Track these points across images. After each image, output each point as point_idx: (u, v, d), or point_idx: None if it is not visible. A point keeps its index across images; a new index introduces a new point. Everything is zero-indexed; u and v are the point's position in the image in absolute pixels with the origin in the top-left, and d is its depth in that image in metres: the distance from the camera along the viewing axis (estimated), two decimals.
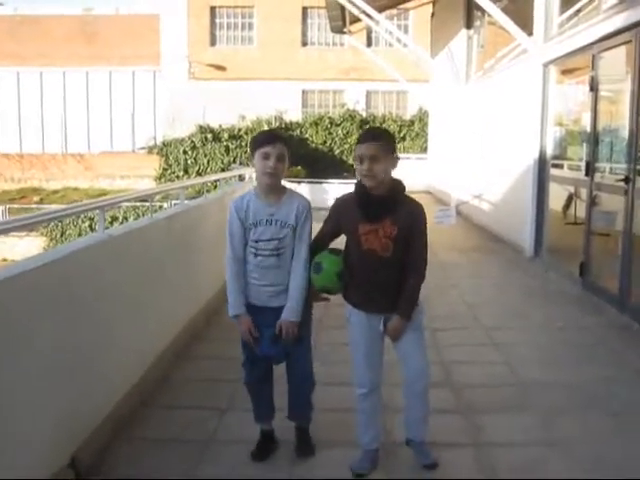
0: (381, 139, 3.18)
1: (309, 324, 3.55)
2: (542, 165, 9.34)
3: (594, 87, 7.42)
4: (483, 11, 13.59)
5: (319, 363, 3.83)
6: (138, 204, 21.97)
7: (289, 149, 3.37)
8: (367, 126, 27.82)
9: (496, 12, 9.93)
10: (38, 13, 32.01)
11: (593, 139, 7.51)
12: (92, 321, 3.51)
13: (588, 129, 7.77)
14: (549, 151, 9.30)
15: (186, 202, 6.00)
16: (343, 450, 3.59)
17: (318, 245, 3.45)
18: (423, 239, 3.24)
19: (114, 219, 23.51)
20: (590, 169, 7.47)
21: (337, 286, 3.35)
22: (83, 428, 3.39)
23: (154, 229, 4.56)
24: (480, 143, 13.22)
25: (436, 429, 3.63)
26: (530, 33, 9.63)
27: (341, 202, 3.41)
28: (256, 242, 3.36)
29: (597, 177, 7.45)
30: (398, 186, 3.25)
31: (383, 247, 3.18)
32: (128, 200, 5.02)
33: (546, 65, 9.11)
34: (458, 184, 14.86)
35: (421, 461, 3.44)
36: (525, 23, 9.79)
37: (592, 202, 7.55)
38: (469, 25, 15.18)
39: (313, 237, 3.47)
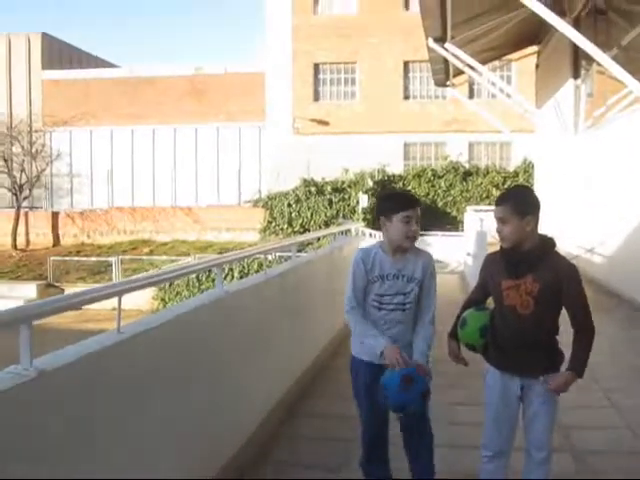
0: (508, 201, 3.16)
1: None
2: None
3: None
4: (591, 60, 13.36)
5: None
6: (244, 257, 22.37)
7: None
8: (470, 178, 27.64)
9: (606, 61, 9.69)
10: (151, 74, 33.61)
11: None
12: (205, 378, 3.55)
13: None
14: None
15: (297, 258, 6.06)
16: None
17: (469, 301, 3.44)
18: (579, 297, 3.12)
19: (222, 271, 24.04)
20: None
21: (479, 342, 3.29)
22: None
23: (268, 285, 4.63)
24: (593, 195, 12.82)
25: None
26: None
27: (488, 258, 3.42)
28: (381, 296, 3.35)
29: None
30: (546, 243, 3.19)
31: (523, 304, 3.11)
32: (245, 257, 5.11)
33: None
34: (568, 237, 14.41)
35: None
36: (636, 69, 9.51)
37: None
38: (576, 75, 14.88)
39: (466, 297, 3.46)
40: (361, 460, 3.54)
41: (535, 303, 3.09)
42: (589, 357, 3.09)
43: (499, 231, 3.17)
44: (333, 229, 10.40)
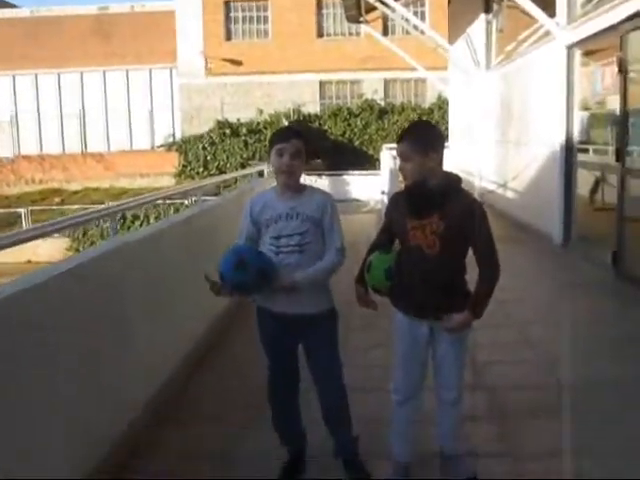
0: (409, 137, 3.02)
1: (335, 328, 3.32)
2: (569, 150, 9.06)
3: (623, 69, 7.14)
4: None
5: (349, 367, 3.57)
6: (159, 202, 21.92)
7: (306, 144, 3.19)
8: (386, 116, 27.61)
9: None
10: (54, 14, 32.04)
11: (623, 123, 7.24)
12: (108, 331, 3.36)
13: (616, 112, 7.49)
14: (575, 136, 9.02)
15: (204, 202, 5.83)
16: (377, 462, 3.39)
17: (375, 244, 3.28)
18: (484, 235, 3.01)
19: (135, 218, 23.50)
20: (621, 154, 7.20)
21: (385, 284, 3.15)
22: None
23: (170, 233, 4.39)
24: (503, 130, 12.94)
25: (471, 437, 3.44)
26: (552, 15, 9.33)
27: (393, 198, 3.25)
28: (277, 238, 3.14)
29: (628, 162, 7.18)
30: (450, 180, 3.06)
31: (429, 243, 2.98)
32: (139, 205, 4.86)
33: (570, 47, 8.83)
34: (481, 173, 14.58)
35: (454, 475, 3.24)
36: (547, 5, 9.49)
37: (623, 187, 7.29)
38: (488, 9, 14.85)
39: (372, 240, 3.29)
40: (272, 416, 3.41)
41: (441, 242, 2.96)
42: (490, 296, 3.00)
43: (401, 169, 3.04)
44: (243, 171, 10.15)
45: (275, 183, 3.22)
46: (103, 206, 4.27)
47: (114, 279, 3.44)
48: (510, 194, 12.21)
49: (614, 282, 7.25)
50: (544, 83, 9.95)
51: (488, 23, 14.86)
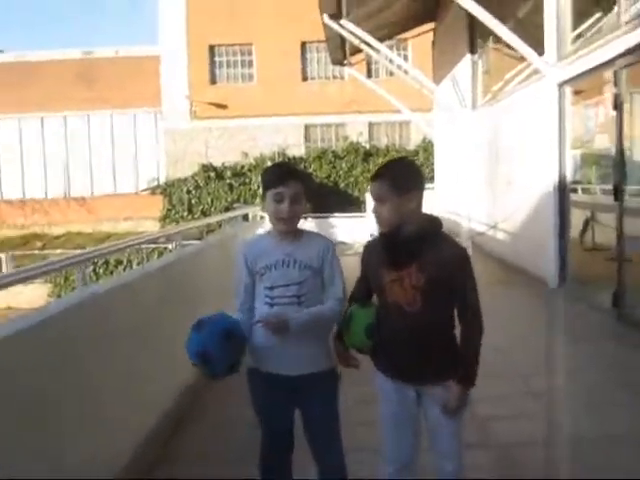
0: (384, 175, 2.69)
1: (336, 392, 2.96)
2: (562, 189, 8.83)
3: (618, 105, 6.94)
4: (487, 35, 13.26)
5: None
6: (143, 246, 21.60)
7: (305, 185, 2.86)
8: (371, 158, 27.52)
9: (505, 33, 9.47)
10: (38, 59, 31.97)
11: (620, 161, 7.01)
12: (73, 398, 2.98)
13: (611, 151, 7.28)
14: (568, 175, 8.80)
15: (185, 247, 5.48)
16: None
17: (354, 298, 2.93)
18: (468, 286, 2.65)
19: (119, 263, 23.14)
20: (619, 192, 6.95)
21: (365, 344, 2.81)
22: None
23: (145, 282, 4.03)
24: (491, 170, 12.74)
25: None
26: (541, 53, 9.18)
27: (367, 247, 2.92)
28: (271, 289, 2.81)
29: (627, 201, 6.94)
30: (429, 225, 2.71)
31: (409, 300, 2.63)
32: (120, 250, 4.54)
33: (561, 85, 8.65)
34: (469, 214, 14.34)
35: None
36: (534, 43, 9.35)
37: (622, 226, 7.03)
38: (473, 50, 14.80)
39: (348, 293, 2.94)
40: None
41: (423, 298, 2.61)
42: (478, 361, 2.66)
43: (376, 212, 2.69)
44: (227, 214, 9.80)
45: (262, 227, 2.90)
46: (81, 251, 4.01)
47: (76, 338, 3.07)
48: (501, 236, 11.95)
49: (616, 325, 6.94)
50: (534, 121, 9.76)
51: (474, 63, 14.80)
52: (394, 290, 2.65)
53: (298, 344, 2.79)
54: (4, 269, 24.89)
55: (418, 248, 2.63)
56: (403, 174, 2.71)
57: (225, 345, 2.66)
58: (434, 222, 2.74)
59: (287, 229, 2.84)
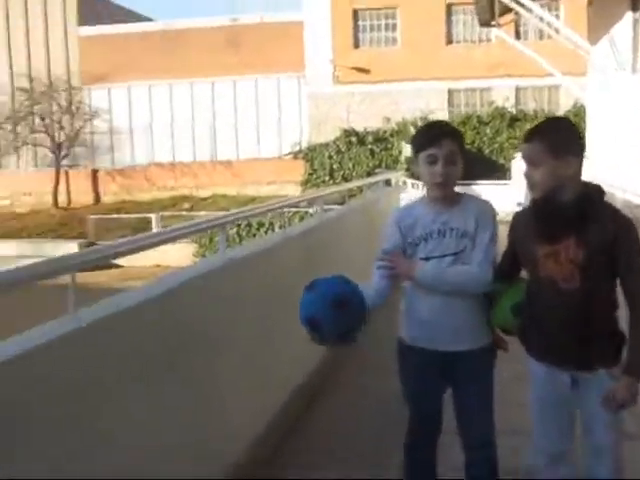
0: (539, 136, 2.38)
1: (491, 370, 2.73)
2: None
3: None
4: None
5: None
6: (285, 210, 21.97)
7: (462, 145, 2.62)
8: (517, 124, 26.41)
9: None
10: (187, 26, 32.93)
11: None
12: (203, 373, 2.95)
13: None
14: None
15: (326, 212, 5.36)
16: None
17: (499, 270, 2.65)
18: (634, 261, 2.32)
19: (260, 225, 23.64)
20: None
21: (511, 323, 2.57)
22: None
23: (285, 248, 3.95)
24: None
25: None
26: None
27: (517, 218, 2.63)
28: (427, 259, 2.59)
29: None
30: (590, 193, 2.40)
31: (565, 275, 2.35)
32: (261, 213, 4.49)
33: None
34: (625, 186, 13.42)
35: None
36: None
37: None
38: (636, 7, 13.71)
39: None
40: (405, 467, 2.85)
41: (582, 274, 2.32)
42: None
43: (528, 177, 2.39)
44: (369, 179, 9.62)
45: (405, 192, 2.70)
46: (225, 213, 4.01)
47: (223, 296, 3.03)
48: None
49: None
50: None
51: (635, 21, 13.71)
52: (548, 265, 2.38)
53: (456, 316, 2.58)
54: (154, 228, 26.07)
55: (577, 218, 2.35)
56: (561, 135, 2.41)
57: (335, 313, 2.42)
58: (596, 190, 2.43)
59: (442, 194, 2.60)
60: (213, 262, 3.09)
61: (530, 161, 2.38)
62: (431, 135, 2.60)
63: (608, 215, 2.37)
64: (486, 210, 2.63)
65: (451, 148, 2.54)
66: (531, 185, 2.41)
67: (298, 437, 3.81)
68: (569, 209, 2.36)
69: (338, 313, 2.42)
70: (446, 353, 2.61)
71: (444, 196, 2.61)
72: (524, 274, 2.66)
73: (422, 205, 2.69)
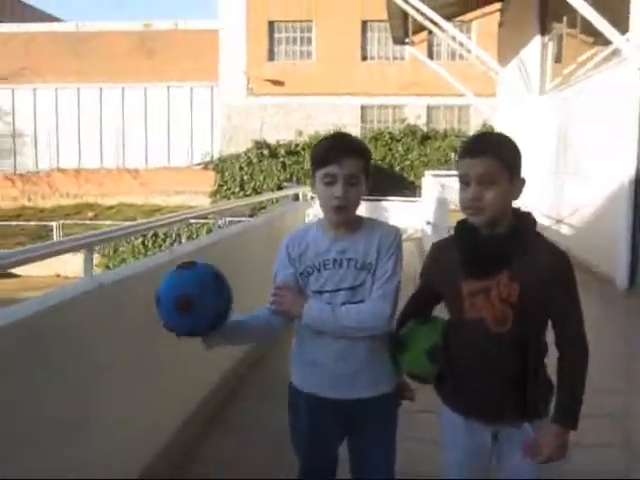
0: (493, 150, 2.03)
1: (394, 420, 2.38)
2: (639, 185, 8.10)
3: None
4: (559, 15, 12.47)
5: None
6: (192, 221, 21.46)
7: (368, 163, 2.25)
8: (428, 142, 26.68)
9: (582, 6, 8.72)
10: (98, 29, 31.99)
11: None
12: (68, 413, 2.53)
13: None
14: None
15: (223, 229, 4.99)
16: None
17: (408, 314, 2.34)
18: (572, 304, 2.07)
19: (167, 236, 23.06)
20: None
21: (427, 370, 2.23)
22: None
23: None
24: (559, 160, 11.97)
25: None
26: (624, 32, 8.41)
27: (436, 249, 2.31)
28: (319, 294, 2.24)
29: None
30: (523, 222, 2.12)
31: (497, 316, 2.04)
32: (168, 224, 4.11)
33: None
34: (534, 207, 13.60)
35: None
36: (616, 21, 8.58)
37: None
38: (544, 31, 13.99)
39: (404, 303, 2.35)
40: None
41: (515, 314, 2.03)
42: (582, 395, 2.07)
43: (477, 198, 2.03)
44: (276, 194, 9.29)
45: (312, 208, 2.35)
46: (130, 223, 3.79)
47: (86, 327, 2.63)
48: (566, 230, 11.19)
49: None
50: (611, 109, 9.01)
51: (543, 45, 13.98)
52: (477, 304, 2.07)
53: (353, 358, 2.24)
54: (54, 237, 25.02)
55: (510, 250, 2.05)
56: (515, 153, 2.09)
57: (216, 286, 2.14)
58: (527, 218, 2.14)
59: (341, 219, 2.24)
60: (82, 286, 2.67)
61: (480, 179, 2.02)
62: (332, 151, 2.22)
63: (541, 247, 2.10)
64: (390, 237, 2.27)
65: (354, 167, 2.19)
66: (477, 209, 2.04)
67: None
68: (503, 240, 2.06)
69: (218, 285, 2.16)
70: (342, 401, 2.27)
71: (343, 222, 2.26)
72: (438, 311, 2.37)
73: (317, 229, 2.33)
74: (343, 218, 2.23)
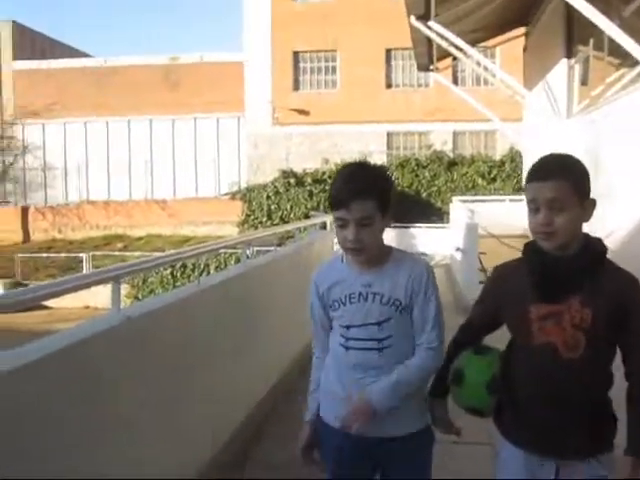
0: (565, 174, 1.98)
1: (429, 457, 2.31)
2: None
3: None
4: (586, 38, 12.38)
5: None
6: (221, 251, 21.54)
7: (385, 196, 2.17)
8: (455, 167, 26.55)
9: (610, 28, 8.63)
10: (126, 64, 32.52)
11: None
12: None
13: None
14: None
15: (251, 259, 4.94)
16: None
17: (462, 342, 2.27)
18: None
19: (196, 266, 23.13)
20: None
21: (487, 404, 2.15)
22: None
23: (200, 300, 3.49)
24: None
25: None
26: None
27: (502, 271, 2.22)
28: (347, 328, 2.19)
29: None
30: (594, 247, 2.05)
31: (568, 342, 1.97)
32: (196, 255, 4.08)
33: None
34: None
35: None
36: None
37: None
38: (569, 54, 13.87)
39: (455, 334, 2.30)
40: None
41: (588, 340, 1.95)
42: None
43: (547, 222, 1.96)
44: (302, 223, 9.25)
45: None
46: (158, 254, 3.73)
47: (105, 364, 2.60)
48: None
49: None
50: None
51: (570, 68, 13.86)
52: (546, 328, 2.00)
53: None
54: (84, 269, 25.21)
55: (582, 275, 1.98)
56: (584, 175, 2.03)
57: None
58: (597, 244, 2.07)
59: (358, 260, 2.21)
60: (109, 320, 2.63)
61: (550, 204, 1.96)
62: (339, 195, 2.17)
63: (613, 272, 2.03)
64: (423, 275, 2.20)
65: (364, 210, 2.12)
66: (548, 234, 1.99)
67: None
68: (575, 265, 1.99)
69: None
70: (371, 439, 2.19)
71: (362, 262, 2.21)
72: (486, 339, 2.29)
73: (344, 261, 2.28)
74: (360, 259, 2.20)
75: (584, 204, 1.98)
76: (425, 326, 2.16)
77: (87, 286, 2.67)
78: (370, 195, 2.13)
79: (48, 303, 21.73)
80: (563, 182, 1.95)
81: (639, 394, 1.97)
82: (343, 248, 2.19)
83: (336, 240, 2.33)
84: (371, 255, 2.19)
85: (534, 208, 2.00)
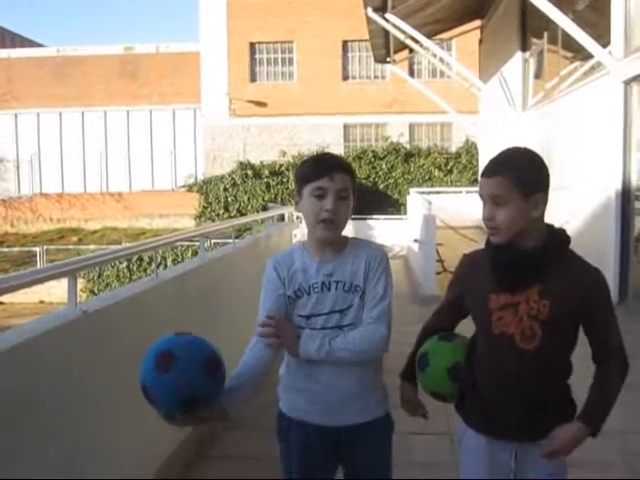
0: (506, 170, 2.00)
1: (389, 445, 2.32)
2: (626, 196, 8.11)
3: None
4: (540, 31, 12.55)
5: None
6: (178, 244, 21.37)
7: (354, 181, 2.22)
8: (412, 159, 26.73)
9: (564, 21, 8.77)
10: (79, 54, 31.97)
11: None
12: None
13: None
14: (634, 181, 8.07)
15: (209, 251, 4.89)
16: None
17: (431, 329, 2.30)
18: (610, 320, 2.04)
19: (152, 259, 22.89)
20: None
21: (449, 389, 2.19)
22: None
23: (157, 294, 3.45)
24: None
25: None
26: (606, 45, 8.45)
27: (470, 259, 2.25)
28: (307, 318, 2.18)
29: None
30: (556, 237, 2.07)
31: (525, 332, 2.00)
32: (154, 247, 4.01)
33: (628, 82, 7.92)
34: None
35: None
36: (598, 35, 8.63)
37: None
38: (524, 47, 14.06)
39: (427, 319, 2.31)
40: None
41: (544, 331, 1.98)
42: (611, 408, 2.01)
43: (489, 218, 2.02)
44: (260, 215, 9.21)
45: (298, 229, 2.27)
46: (117, 247, 3.78)
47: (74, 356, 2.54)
48: None
49: None
50: (594, 122, 9.03)
51: (525, 61, 14.05)
52: (504, 318, 2.03)
53: (345, 385, 2.17)
54: (38, 263, 24.75)
55: (542, 266, 2.01)
56: (529, 169, 2.04)
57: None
58: (560, 235, 2.09)
59: (330, 236, 2.18)
60: (65, 315, 2.58)
61: (493, 200, 2.01)
62: (322, 165, 2.19)
63: (574, 264, 2.07)
64: (377, 258, 2.22)
65: (344, 182, 2.16)
66: (493, 228, 2.03)
67: None
68: (535, 256, 2.01)
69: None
70: (333, 428, 2.20)
71: (332, 239, 2.20)
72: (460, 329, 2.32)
73: (303, 252, 2.26)
74: (332, 234, 2.19)
75: (529, 199, 1.99)
76: (370, 303, 2.16)
77: (42, 281, 2.61)
78: (348, 172, 2.20)
79: (1, 299, 21.33)
80: (503, 178, 1.99)
81: (607, 371, 2.03)
82: (316, 220, 2.16)
83: (294, 232, 2.32)
84: (339, 233, 2.20)
85: (483, 202, 2.05)
